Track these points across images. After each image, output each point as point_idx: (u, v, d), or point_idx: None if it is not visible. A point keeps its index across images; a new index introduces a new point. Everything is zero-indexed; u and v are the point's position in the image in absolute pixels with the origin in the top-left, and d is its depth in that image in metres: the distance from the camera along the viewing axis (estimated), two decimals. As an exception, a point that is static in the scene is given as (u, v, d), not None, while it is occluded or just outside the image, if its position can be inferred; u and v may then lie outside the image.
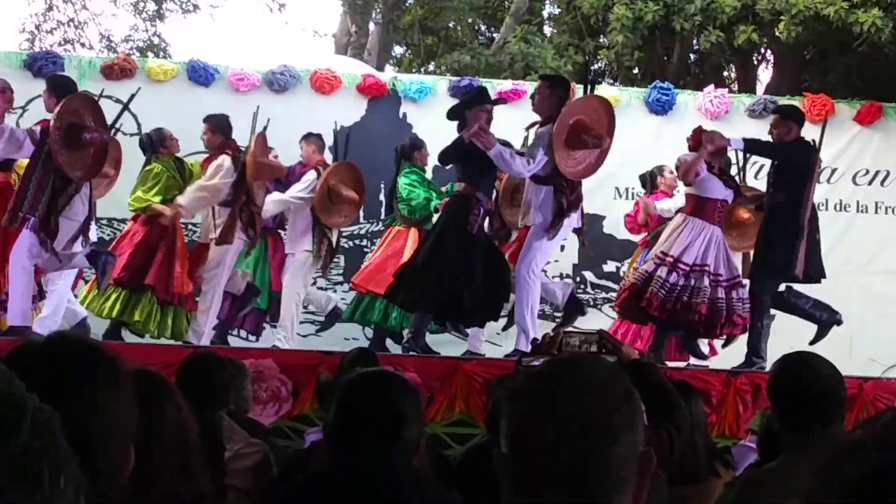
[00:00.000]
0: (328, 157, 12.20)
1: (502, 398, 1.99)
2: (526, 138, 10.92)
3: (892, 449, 1.35)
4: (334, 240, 11.63)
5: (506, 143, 10.37)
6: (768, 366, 9.69)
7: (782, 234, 10.03)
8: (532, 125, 10.40)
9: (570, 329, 4.43)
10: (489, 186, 10.26)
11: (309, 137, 12.05)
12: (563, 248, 12.80)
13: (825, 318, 10.33)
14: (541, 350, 4.19)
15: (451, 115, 10.22)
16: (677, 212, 10.69)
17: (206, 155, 11.20)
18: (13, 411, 1.34)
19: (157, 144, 11.27)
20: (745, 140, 10.27)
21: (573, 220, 9.93)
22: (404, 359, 9.29)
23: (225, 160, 10.79)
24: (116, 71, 13.71)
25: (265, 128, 11.12)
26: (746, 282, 10.23)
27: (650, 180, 12.29)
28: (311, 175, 11.60)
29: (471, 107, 10.10)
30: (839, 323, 10.23)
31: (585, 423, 1.87)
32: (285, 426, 8.37)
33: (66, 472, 1.36)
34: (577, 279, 14.36)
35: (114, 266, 10.27)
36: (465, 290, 9.85)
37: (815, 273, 10.22)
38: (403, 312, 11.30)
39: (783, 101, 14.59)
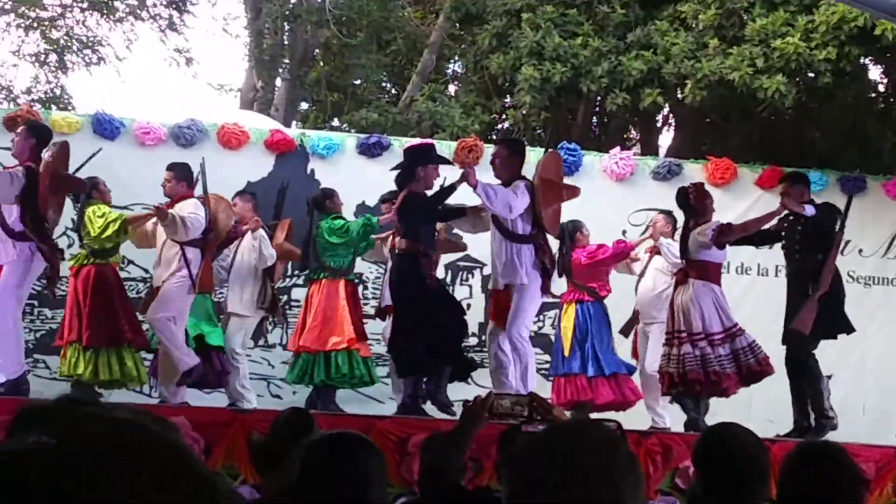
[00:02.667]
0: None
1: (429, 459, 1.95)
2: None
3: None
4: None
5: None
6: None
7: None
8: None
9: (501, 392, 4.42)
10: (432, 237, 10.41)
11: (244, 194, 12.07)
12: (469, 305, 12.85)
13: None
14: (473, 413, 4.17)
15: (403, 173, 10.38)
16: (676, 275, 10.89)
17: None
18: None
19: (90, 189, 11.24)
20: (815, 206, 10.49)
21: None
22: (319, 418, 9.22)
23: (197, 203, 10.84)
24: (20, 123, 13.43)
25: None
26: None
27: (568, 236, 12.32)
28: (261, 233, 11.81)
29: (424, 163, 10.27)
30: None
31: (590, 490, 1.83)
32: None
33: None
34: (483, 338, 14.35)
35: None
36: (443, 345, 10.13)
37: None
38: (349, 367, 11.45)
39: (687, 164, 14.79)
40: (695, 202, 10.71)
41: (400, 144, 14.24)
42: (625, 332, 12.42)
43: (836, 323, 10.45)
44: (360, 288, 13.62)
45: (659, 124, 20.95)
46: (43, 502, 1.13)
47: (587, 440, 1.91)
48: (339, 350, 11.33)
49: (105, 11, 23.46)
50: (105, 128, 13.80)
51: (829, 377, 10.99)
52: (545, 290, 10.18)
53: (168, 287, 10.70)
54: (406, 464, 8.53)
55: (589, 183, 14.44)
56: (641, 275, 12.35)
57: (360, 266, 13.16)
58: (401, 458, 8.67)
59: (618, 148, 15.24)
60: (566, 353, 12.15)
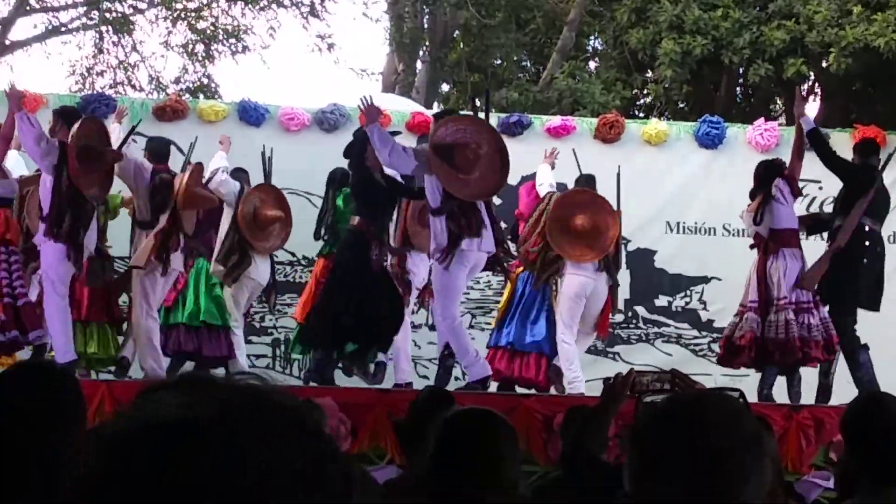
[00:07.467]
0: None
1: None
2: None
3: None
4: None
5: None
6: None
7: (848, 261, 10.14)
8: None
9: (641, 368, 4.41)
10: (385, 219, 10.15)
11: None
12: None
13: None
14: (614, 390, 4.17)
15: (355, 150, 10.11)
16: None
17: None
18: None
19: None
20: (814, 128, 10.33)
21: (477, 246, 9.66)
22: (462, 397, 9.25)
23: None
24: (168, 112, 13.76)
25: (189, 155, 11.33)
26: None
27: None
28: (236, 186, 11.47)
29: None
30: None
31: (716, 463, 1.82)
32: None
33: None
34: (629, 314, 14.27)
35: None
36: (367, 323, 9.92)
37: (869, 302, 10.28)
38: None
39: (834, 133, 14.52)
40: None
41: (541, 123, 14.25)
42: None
43: (871, 295, 10.29)
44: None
45: (804, 94, 20.59)
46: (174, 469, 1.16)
47: (709, 412, 1.89)
48: None
49: (249, 0, 23.80)
50: (251, 115, 14.01)
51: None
52: (445, 258, 9.51)
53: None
54: (552, 442, 8.52)
55: (733, 155, 14.27)
56: None
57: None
58: (547, 437, 8.66)
59: (762, 119, 15.00)
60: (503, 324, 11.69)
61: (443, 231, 9.50)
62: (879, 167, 10.63)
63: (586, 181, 11.34)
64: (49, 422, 2.85)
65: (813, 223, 11.07)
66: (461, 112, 11.36)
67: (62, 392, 3.09)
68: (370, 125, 9.59)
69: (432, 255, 9.72)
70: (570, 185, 11.67)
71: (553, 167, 11.66)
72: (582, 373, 10.86)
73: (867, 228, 10.25)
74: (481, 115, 10.42)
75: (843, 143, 14.01)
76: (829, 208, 11.76)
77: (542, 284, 11.35)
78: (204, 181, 11.03)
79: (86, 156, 9.79)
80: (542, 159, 12.00)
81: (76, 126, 9.81)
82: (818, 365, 10.34)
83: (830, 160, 10.51)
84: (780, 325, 10.15)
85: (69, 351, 9.98)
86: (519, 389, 11.30)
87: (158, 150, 10.97)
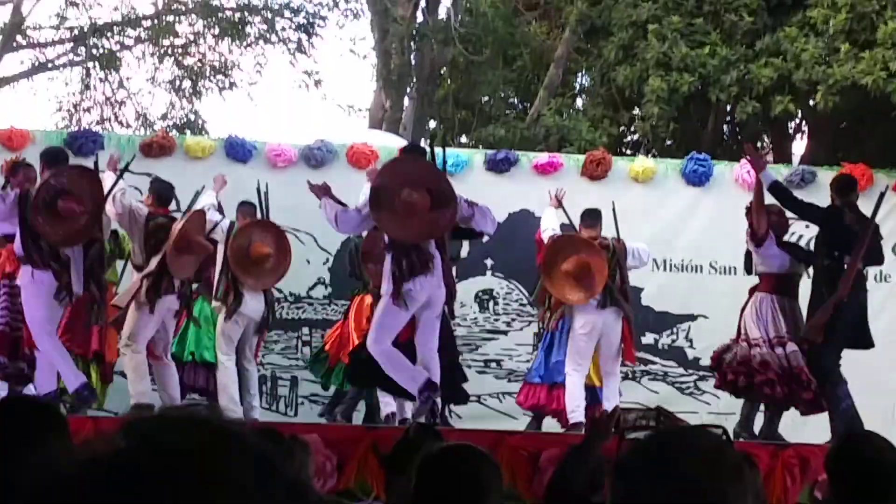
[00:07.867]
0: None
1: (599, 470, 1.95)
2: None
3: None
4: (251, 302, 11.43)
5: None
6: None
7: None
8: None
9: (627, 406, 4.41)
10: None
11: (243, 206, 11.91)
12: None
13: None
14: (599, 427, 4.16)
15: None
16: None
17: None
18: None
19: None
20: (774, 181, 10.41)
21: (422, 286, 9.59)
22: (448, 433, 9.21)
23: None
24: (155, 148, 13.78)
25: (192, 204, 11.32)
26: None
27: None
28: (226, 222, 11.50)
29: None
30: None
31: (697, 495, 1.81)
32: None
33: None
34: (616, 351, 14.27)
35: None
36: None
37: (858, 341, 10.30)
38: None
39: (821, 171, 14.54)
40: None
41: (528, 160, 14.28)
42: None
43: (858, 333, 10.31)
44: (491, 304, 13.67)
45: (791, 131, 20.66)
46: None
47: (692, 447, 1.89)
48: None
49: (236, 36, 23.86)
50: (238, 151, 14.03)
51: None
52: (394, 296, 9.50)
53: None
54: (538, 478, 8.51)
55: (720, 192, 14.29)
56: None
57: (490, 282, 13.25)
58: (533, 473, 8.65)
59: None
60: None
61: (388, 270, 9.53)
62: (857, 203, 10.69)
63: (589, 215, 11.42)
64: (46, 424, 2.85)
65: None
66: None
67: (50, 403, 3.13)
68: (321, 201, 9.69)
69: (382, 293, 9.69)
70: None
71: (558, 207, 11.76)
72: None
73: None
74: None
75: (828, 180, 14.04)
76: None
77: (563, 324, 11.57)
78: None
79: (47, 209, 9.77)
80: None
81: (49, 173, 9.95)
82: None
83: (799, 209, 10.59)
84: (736, 355, 10.48)
85: (77, 377, 10.19)
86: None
87: (163, 193, 11.02)
